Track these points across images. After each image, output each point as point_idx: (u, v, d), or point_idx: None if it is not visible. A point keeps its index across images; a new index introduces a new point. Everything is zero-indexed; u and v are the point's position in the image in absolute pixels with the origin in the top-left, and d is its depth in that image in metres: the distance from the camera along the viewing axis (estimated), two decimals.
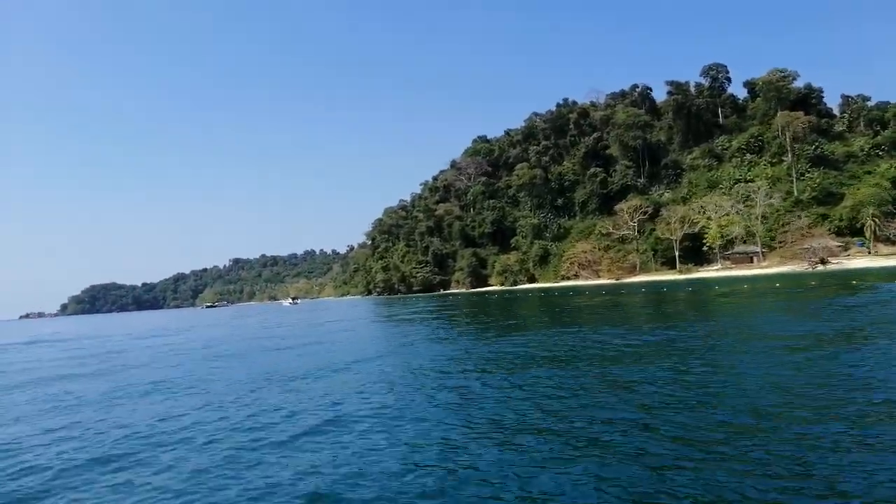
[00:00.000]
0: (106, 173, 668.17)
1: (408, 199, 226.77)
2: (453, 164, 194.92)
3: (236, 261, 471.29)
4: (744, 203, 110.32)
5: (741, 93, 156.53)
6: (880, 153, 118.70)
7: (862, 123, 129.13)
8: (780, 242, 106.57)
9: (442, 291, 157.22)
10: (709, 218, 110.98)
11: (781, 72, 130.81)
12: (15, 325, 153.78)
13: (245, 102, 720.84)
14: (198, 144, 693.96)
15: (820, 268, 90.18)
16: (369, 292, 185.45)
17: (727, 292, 46.21)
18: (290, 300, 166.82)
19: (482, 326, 31.12)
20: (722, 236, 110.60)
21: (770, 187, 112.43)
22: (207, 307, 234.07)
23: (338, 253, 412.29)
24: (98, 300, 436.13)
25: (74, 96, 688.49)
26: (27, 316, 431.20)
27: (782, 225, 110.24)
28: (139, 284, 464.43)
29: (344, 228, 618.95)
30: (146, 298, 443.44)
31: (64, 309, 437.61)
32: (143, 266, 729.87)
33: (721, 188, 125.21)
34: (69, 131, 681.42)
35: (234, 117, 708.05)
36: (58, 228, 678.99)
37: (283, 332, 39.10)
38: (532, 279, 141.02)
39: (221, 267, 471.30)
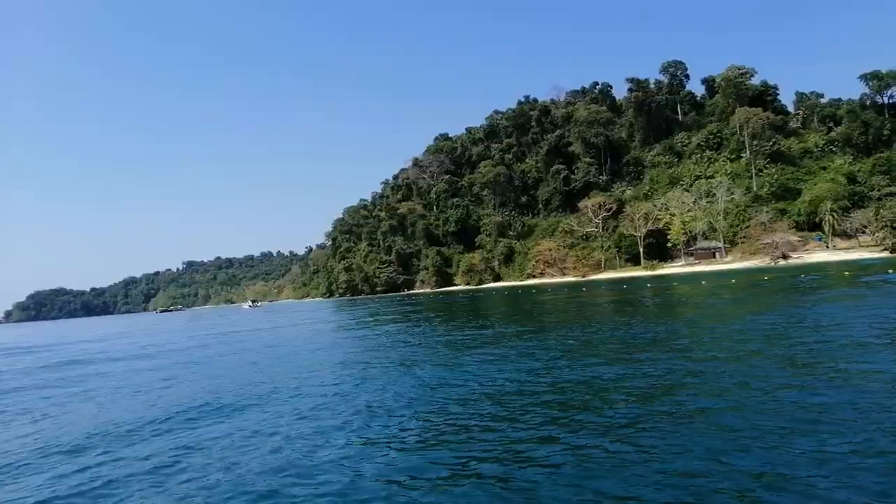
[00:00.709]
0: (52, 176, 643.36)
1: (368, 198, 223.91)
2: (416, 163, 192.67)
3: (190, 263, 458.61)
4: (706, 199, 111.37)
5: (699, 89, 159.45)
6: (834, 149, 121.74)
7: (816, 120, 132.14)
8: (743, 237, 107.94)
9: (406, 291, 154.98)
10: (672, 214, 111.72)
11: (739, 69, 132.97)
12: None
13: (197, 101, 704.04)
14: (146, 148, 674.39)
15: (782, 262, 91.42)
16: (331, 293, 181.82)
17: (686, 291, 45.42)
18: (250, 303, 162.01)
19: (453, 332, 29.42)
20: (685, 232, 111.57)
21: (731, 183, 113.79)
22: (162, 311, 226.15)
23: (296, 254, 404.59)
24: (44, 306, 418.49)
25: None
26: None
27: (743, 220, 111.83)
28: (88, 290, 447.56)
29: (301, 229, 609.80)
30: (95, 304, 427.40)
31: (8, 316, 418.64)
32: (92, 270, 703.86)
33: (682, 184, 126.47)
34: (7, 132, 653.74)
35: (185, 117, 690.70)
36: None
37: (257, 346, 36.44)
38: (497, 278, 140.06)
39: (174, 270, 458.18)
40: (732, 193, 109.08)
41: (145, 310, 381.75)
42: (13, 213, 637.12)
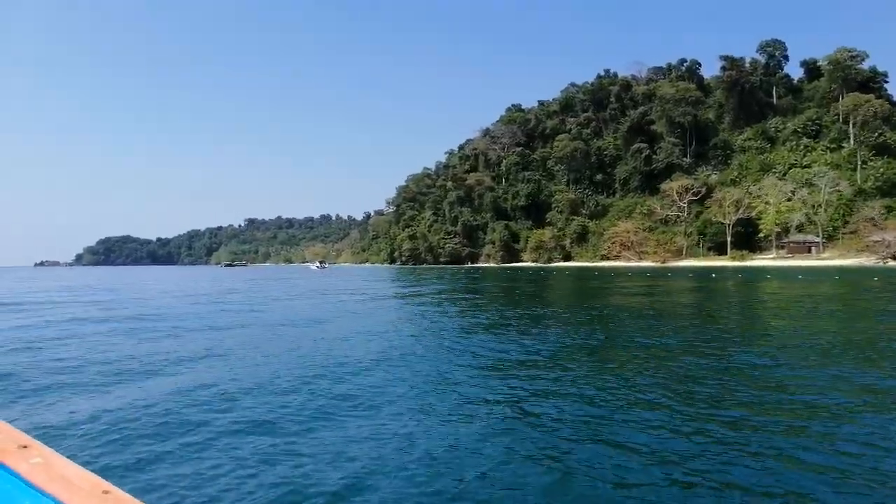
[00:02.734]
0: (123, 125, 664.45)
1: (432, 167, 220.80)
2: (486, 133, 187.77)
3: (251, 221, 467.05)
4: (806, 189, 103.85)
5: (796, 73, 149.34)
6: None
7: None
8: (845, 233, 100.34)
9: (470, 264, 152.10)
10: (767, 202, 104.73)
11: (850, 51, 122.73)
12: (35, 272, 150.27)
13: (271, 58, 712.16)
14: (217, 105, 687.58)
15: (891, 262, 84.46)
16: (393, 261, 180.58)
17: (800, 290, 39.75)
18: (318, 264, 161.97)
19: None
20: (778, 223, 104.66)
21: (836, 173, 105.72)
22: (226, 266, 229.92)
23: (354, 219, 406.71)
24: (113, 252, 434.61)
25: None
26: (42, 264, 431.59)
27: (843, 214, 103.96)
28: (154, 239, 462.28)
29: (360, 195, 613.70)
30: (161, 254, 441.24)
31: (79, 259, 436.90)
32: (159, 221, 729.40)
33: (775, 172, 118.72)
34: (102, 76, 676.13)
35: (256, 75, 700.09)
36: (76, 178, 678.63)
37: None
38: (568, 257, 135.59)
39: (236, 226, 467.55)
40: (837, 185, 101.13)
41: (207, 263, 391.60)
42: (89, 159, 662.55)
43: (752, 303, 29.69)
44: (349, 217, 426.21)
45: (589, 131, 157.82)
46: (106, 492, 1.05)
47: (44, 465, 1.14)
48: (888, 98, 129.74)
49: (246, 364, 12.48)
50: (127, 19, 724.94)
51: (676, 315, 22.98)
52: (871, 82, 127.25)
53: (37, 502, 1.04)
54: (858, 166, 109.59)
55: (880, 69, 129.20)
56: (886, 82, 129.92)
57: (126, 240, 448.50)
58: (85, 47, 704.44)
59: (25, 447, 1.22)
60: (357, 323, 20.94)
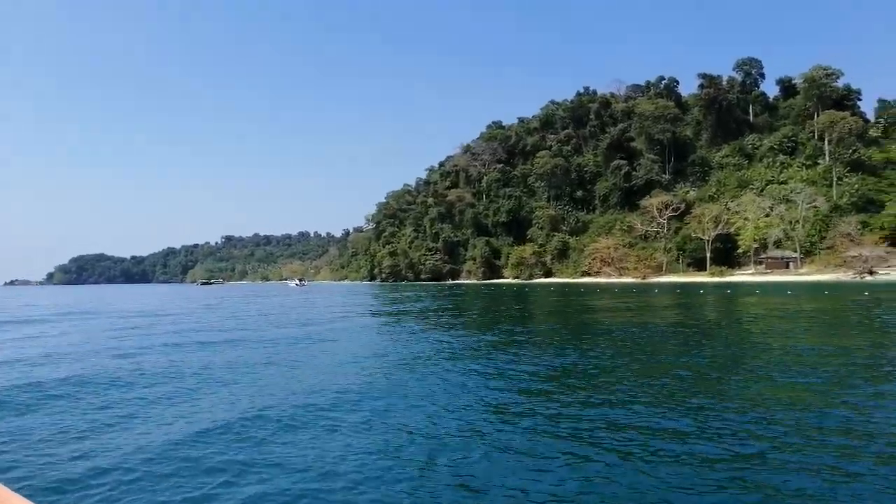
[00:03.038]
0: (96, 145, 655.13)
1: (412, 183, 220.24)
2: (467, 149, 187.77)
3: (228, 238, 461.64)
4: (783, 205, 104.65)
5: (771, 91, 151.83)
6: None
7: None
8: (822, 248, 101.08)
9: (451, 281, 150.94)
10: (745, 218, 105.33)
11: (825, 69, 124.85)
12: (10, 291, 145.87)
13: (248, 75, 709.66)
14: (194, 123, 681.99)
15: (868, 277, 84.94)
16: (373, 278, 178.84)
17: (780, 304, 39.19)
18: (297, 281, 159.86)
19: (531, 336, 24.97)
20: (756, 239, 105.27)
21: (813, 190, 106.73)
22: (203, 284, 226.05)
23: (333, 236, 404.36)
24: (85, 271, 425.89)
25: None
26: (13, 283, 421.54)
27: (819, 231, 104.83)
28: (128, 257, 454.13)
29: (338, 212, 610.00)
30: (135, 272, 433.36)
31: (50, 278, 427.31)
32: (132, 238, 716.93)
33: (752, 188, 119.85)
34: (67, 92, 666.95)
35: (233, 95, 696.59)
36: (46, 197, 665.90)
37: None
38: (549, 273, 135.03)
39: (213, 244, 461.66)
40: (814, 201, 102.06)
41: (182, 281, 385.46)
42: (61, 177, 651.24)
43: (757, 318, 28.92)
44: (327, 234, 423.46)
45: (569, 148, 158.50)
46: None
47: None
48: (861, 115, 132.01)
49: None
50: (102, 26, 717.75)
51: (697, 334, 22.07)
52: (845, 100, 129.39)
53: None
54: (834, 182, 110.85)
55: (854, 87, 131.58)
56: (860, 100, 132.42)
57: (100, 258, 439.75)
58: (51, 60, 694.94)
59: None
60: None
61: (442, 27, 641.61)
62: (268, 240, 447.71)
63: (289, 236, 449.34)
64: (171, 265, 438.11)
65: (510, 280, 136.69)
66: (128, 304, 54.71)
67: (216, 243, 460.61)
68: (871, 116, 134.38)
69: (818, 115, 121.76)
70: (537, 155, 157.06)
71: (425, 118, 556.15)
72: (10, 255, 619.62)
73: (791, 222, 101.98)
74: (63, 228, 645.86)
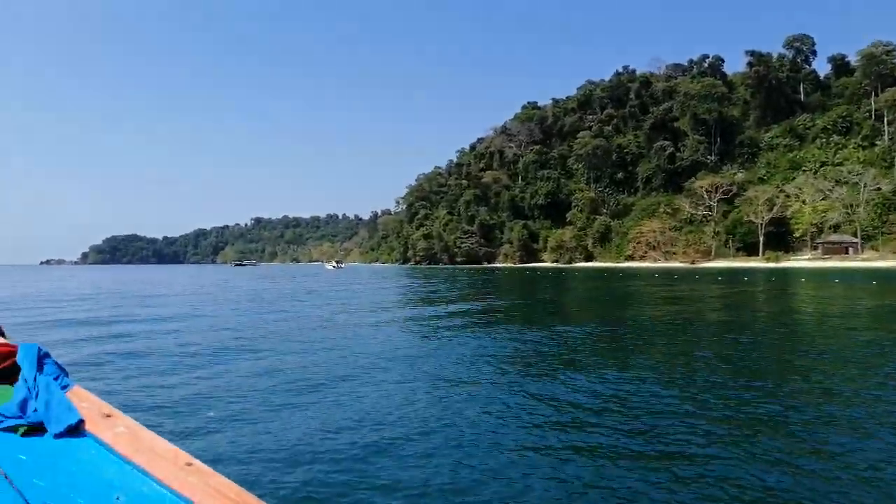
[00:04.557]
0: (132, 124, 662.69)
1: (442, 166, 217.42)
2: (503, 130, 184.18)
3: (258, 220, 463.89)
4: (843, 187, 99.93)
5: (822, 69, 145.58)
6: None
7: None
8: (884, 233, 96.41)
9: (487, 264, 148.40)
10: (802, 202, 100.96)
11: (885, 45, 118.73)
12: (42, 271, 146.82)
13: (270, 66, 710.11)
14: (222, 103, 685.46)
15: None
16: (406, 260, 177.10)
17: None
18: (334, 264, 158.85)
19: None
20: (812, 223, 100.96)
21: (877, 171, 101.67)
22: (237, 265, 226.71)
23: (361, 218, 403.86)
24: (118, 251, 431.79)
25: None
26: (48, 262, 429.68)
27: (880, 214, 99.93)
28: (160, 238, 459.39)
29: (366, 193, 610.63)
30: (166, 252, 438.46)
31: (84, 258, 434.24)
32: (164, 220, 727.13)
33: (805, 170, 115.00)
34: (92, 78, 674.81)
35: (261, 78, 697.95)
36: (80, 176, 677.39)
37: None
38: (590, 257, 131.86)
39: (243, 225, 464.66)
40: (878, 183, 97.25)
41: (213, 262, 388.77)
42: (99, 155, 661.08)
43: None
44: (356, 216, 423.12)
45: (610, 128, 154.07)
46: (189, 464, 1.08)
47: (128, 434, 1.17)
48: None
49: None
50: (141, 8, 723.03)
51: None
52: None
53: (122, 470, 1.06)
54: None
55: None
56: None
57: (132, 238, 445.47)
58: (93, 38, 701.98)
59: (109, 416, 1.25)
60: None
61: (475, 5, 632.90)
62: (297, 221, 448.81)
63: (317, 218, 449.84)
64: (202, 246, 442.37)
65: (549, 264, 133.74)
66: (237, 286, 52.57)
67: (246, 224, 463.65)
68: None
69: (878, 94, 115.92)
70: (577, 135, 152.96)
71: (455, 98, 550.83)
72: (45, 234, 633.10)
73: (852, 205, 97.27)
74: (97, 209, 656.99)
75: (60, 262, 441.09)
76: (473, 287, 47.47)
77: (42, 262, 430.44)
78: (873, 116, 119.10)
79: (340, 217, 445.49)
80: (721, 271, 79.48)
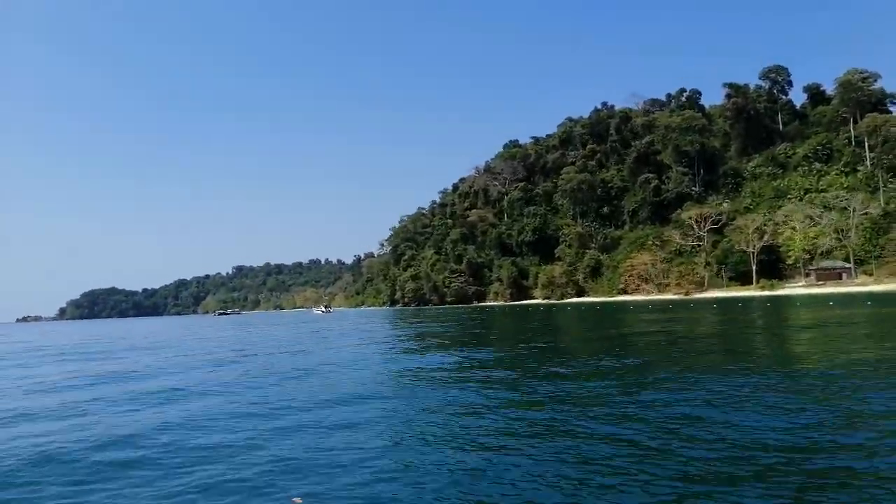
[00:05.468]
0: (103, 179, 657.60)
1: (425, 207, 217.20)
2: (486, 169, 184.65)
3: (239, 268, 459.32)
4: (833, 213, 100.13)
5: (797, 99, 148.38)
6: None
7: None
8: (875, 257, 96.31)
9: (477, 303, 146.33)
10: (793, 228, 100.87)
11: (861, 72, 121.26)
12: (22, 329, 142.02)
13: (244, 111, 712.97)
14: (196, 152, 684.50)
15: None
16: (394, 302, 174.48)
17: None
18: (323, 309, 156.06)
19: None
20: (804, 249, 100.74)
21: (866, 196, 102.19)
22: (220, 314, 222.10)
23: (344, 263, 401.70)
24: (97, 305, 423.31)
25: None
26: (24, 319, 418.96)
27: (869, 238, 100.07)
28: (139, 290, 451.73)
29: (348, 239, 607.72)
30: (146, 305, 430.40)
31: (62, 313, 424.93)
32: (143, 271, 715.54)
33: (790, 198, 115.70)
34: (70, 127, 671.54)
35: (231, 126, 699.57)
36: (55, 231, 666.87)
37: None
38: (581, 292, 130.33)
39: (224, 274, 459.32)
40: (867, 207, 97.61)
41: (195, 312, 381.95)
42: (74, 211, 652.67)
43: None
44: (338, 261, 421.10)
45: (594, 163, 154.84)
46: None
47: None
48: None
49: None
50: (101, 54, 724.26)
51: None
52: (880, 104, 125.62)
53: None
54: (881, 188, 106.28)
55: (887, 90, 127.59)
56: (894, 103, 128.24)
57: (111, 292, 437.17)
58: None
59: None
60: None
61: (441, 47, 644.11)
62: (279, 268, 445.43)
63: (300, 264, 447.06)
64: (183, 297, 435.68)
65: (540, 301, 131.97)
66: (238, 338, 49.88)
67: (227, 273, 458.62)
68: None
69: (857, 121, 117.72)
70: (562, 171, 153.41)
71: (432, 142, 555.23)
72: (20, 290, 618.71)
73: (842, 231, 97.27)
74: (73, 263, 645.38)
75: (38, 318, 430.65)
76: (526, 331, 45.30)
77: (19, 320, 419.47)
78: (853, 142, 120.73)
79: (323, 262, 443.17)
80: (734, 300, 77.94)
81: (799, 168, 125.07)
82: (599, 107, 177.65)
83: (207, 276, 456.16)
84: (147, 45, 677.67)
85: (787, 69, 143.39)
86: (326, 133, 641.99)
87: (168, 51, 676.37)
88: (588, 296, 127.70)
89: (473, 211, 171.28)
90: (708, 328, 33.45)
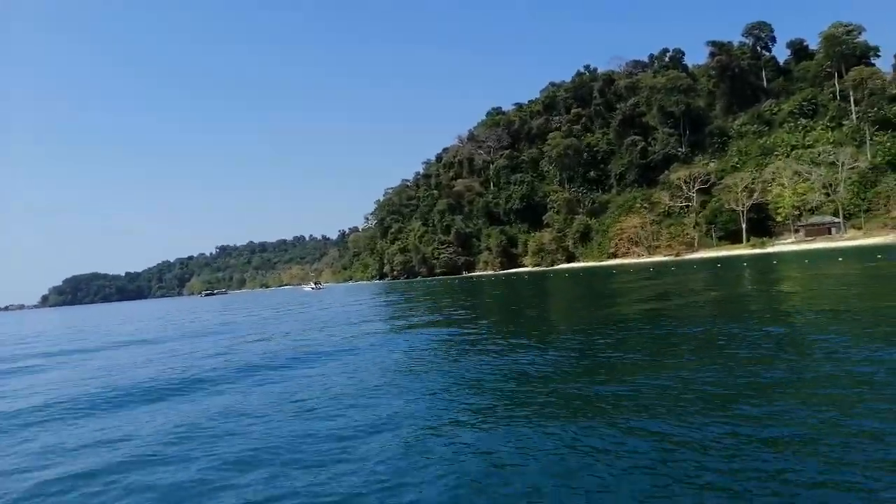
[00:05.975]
0: (84, 163, 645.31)
1: (409, 178, 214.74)
2: (470, 137, 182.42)
3: (223, 248, 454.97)
4: (821, 168, 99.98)
5: (781, 55, 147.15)
6: None
7: None
8: (866, 211, 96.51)
9: (467, 273, 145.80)
10: (782, 185, 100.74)
11: (846, 26, 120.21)
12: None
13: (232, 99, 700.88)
14: (182, 137, 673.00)
15: None
16: (383, 276, 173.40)
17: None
18: (313, 285, 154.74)
19: None
20: (793, 206, 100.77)
21: (855, 150, 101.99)
22: (207, 295, 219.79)
23: (329, 238, 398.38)
24: (80, 291, 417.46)
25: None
26: (6, 308, 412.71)
27: (857, 192, 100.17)
28: (122, 274, 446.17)
29: (328, 214, 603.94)
30: (130, 289, 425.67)
31: (45, 300, 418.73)
32: (126, 255, 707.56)
33: (777, 155, 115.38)
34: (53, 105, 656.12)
35: (214, 108, 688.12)
36: (35, 217, 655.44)
37: None
38: (571, 258, 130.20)
39: (207, 254, 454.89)
40: (856, 161, 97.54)
41: (180, 294, 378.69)
42: (56, 198, 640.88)
43: None
44: (323, 236, 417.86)
45: (579, 127, 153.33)
46: None
47: None
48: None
49: None
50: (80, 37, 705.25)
51: None
52: (865, 57, 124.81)
53: None
54: (867, 142, 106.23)
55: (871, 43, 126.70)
56: (878, 56, 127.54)
57: (94, 277, 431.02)
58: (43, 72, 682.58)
59: None
60: None
61: (420, 15, 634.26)
62: (263, 246, 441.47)
63: (284, 241, 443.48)
64: (167, 279, 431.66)
65: (530, 268, 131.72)
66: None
67: (211, 254, 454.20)
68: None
69: (842, 75, 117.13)
70: (548, 136, 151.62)
71: (413, 112, 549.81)
72: (2, 279, 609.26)
73: (831, 185, 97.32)
74: (53, 248, 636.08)
75: (20, 307, 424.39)
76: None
77: (0, 309, 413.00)
78: (838, 97, 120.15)
79: (308, 238, 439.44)
80: (733, 259, 77.58)
81: (785, 125, 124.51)
82: (582, 70, 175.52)
83: (191, 258, 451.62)
84: (127, 21, 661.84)
85: (770, 25, 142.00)
86: (312, 111, 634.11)
87: (153, 28, 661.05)
88: (578, 261, 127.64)
89: (459, 181, 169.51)
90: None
